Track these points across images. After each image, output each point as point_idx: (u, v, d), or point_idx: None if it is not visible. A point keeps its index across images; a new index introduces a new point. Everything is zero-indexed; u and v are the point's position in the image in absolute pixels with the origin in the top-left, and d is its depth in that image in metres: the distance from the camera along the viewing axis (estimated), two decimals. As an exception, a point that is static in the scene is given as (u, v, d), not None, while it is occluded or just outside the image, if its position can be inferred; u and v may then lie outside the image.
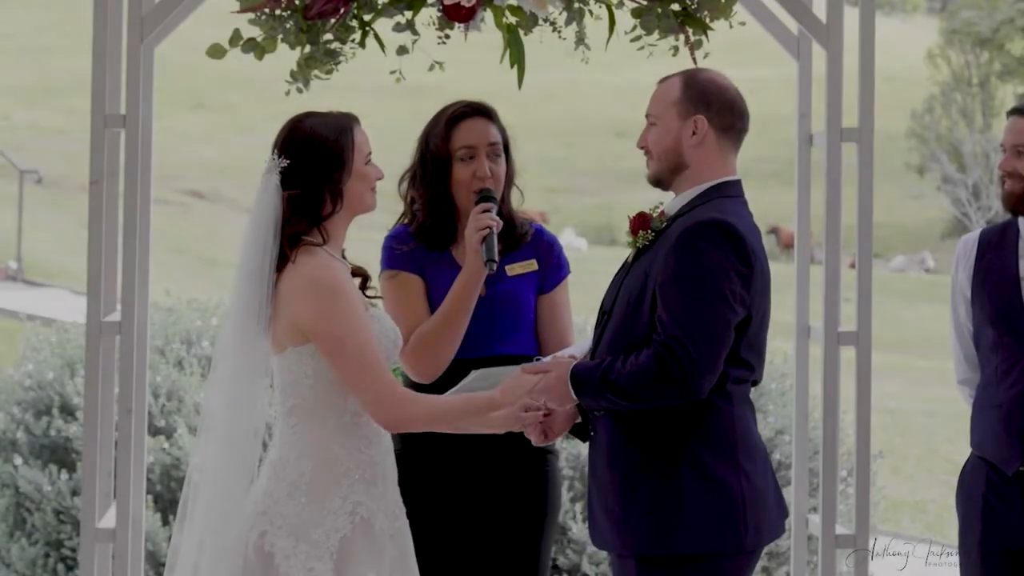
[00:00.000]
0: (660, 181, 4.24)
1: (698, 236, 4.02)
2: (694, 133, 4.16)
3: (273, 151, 4.07)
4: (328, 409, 4.05)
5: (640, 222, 4.21)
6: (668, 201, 4.25)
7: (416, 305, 4.65)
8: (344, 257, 4.17)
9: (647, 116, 4.24)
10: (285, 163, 4.04)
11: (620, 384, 4.01)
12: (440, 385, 4.48)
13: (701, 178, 4.18)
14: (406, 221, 4.75)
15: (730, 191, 4.18)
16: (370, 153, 4.14)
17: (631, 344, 4.08)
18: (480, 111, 4.69)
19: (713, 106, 4.17)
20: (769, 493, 4.17)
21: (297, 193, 4.04)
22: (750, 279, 4.04)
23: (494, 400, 4.11)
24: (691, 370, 3.96)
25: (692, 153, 4.17)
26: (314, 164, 4.04)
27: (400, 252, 4.67)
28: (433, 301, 4.66)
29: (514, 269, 4.75)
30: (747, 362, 4.12)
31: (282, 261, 4.04)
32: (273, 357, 4.09)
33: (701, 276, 3.99)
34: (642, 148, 4.25)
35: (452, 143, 4.65)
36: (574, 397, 4.10)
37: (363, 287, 4.21)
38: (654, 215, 4.21)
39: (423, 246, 4.69)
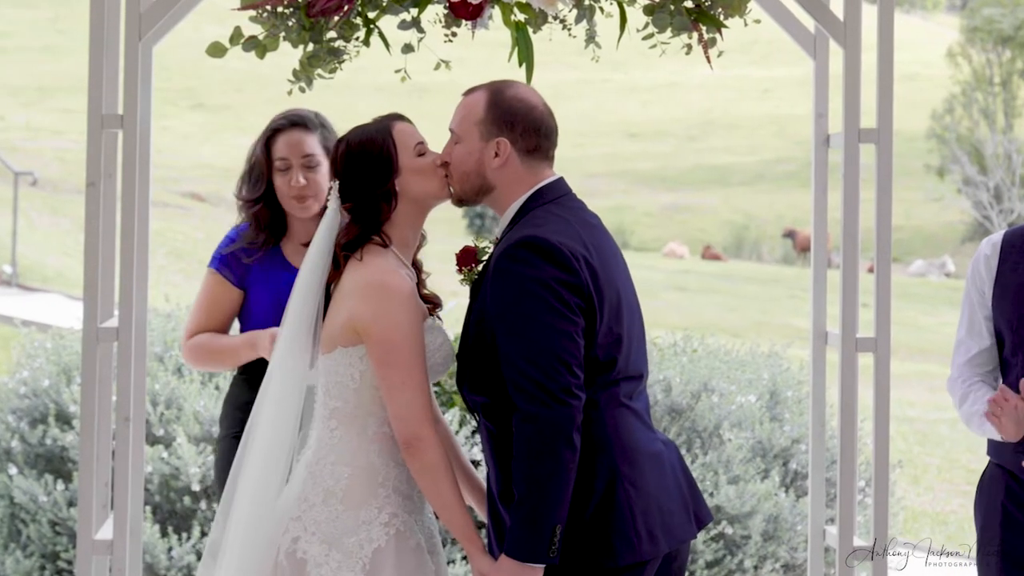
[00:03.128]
0: (464, 201, 4.17)
1: (509, 261, 3.94)
2: (496, 155, 4.08)
3: (331, 178, 4.22)
4: (369, 415, 4.08)
5: (464, 257, 4.22)
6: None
7: (215, 309, 5.01)
8: (416, 269, 4.22)
9: (451, 130, 4.16)
10: (338, 183, 4.16)
11: (524, 492, 3.84)
12: None
13: (515, 195, 4.10)
14: (243, 220, 5.11)
15: (547, 196, 4.09)
16: (420, 143, 4.18)
17: (492, 380, 3.98)
18: (298, 123, 4.99)
19: (517, 127, 4.08)
20: (666, 496, 4.04)
21: (351, 206, 4.14)
22: (578, 284, 3.94)
23: (474, 557, 4.01)
24: (555, 401, 3.85)
25: (496, 175, 4.09)
26: (360, 174, 4.13)
27: (227, 254, 5.02)
28: (253, 307, 5.00)
29: None
30: (605, 363, 4.00)
31: (334, 271, 4.14)
32: (320, 358, 4.12)
33: (524, 303, 3.89)
34: (445, 163, 4.17)
35: (271, 154, 5.00)
36: (533, 565, 3.88)
37: (431, 312, 4.23)
38: (480, 246, 4.20)
39: (249, 243, 5.02)
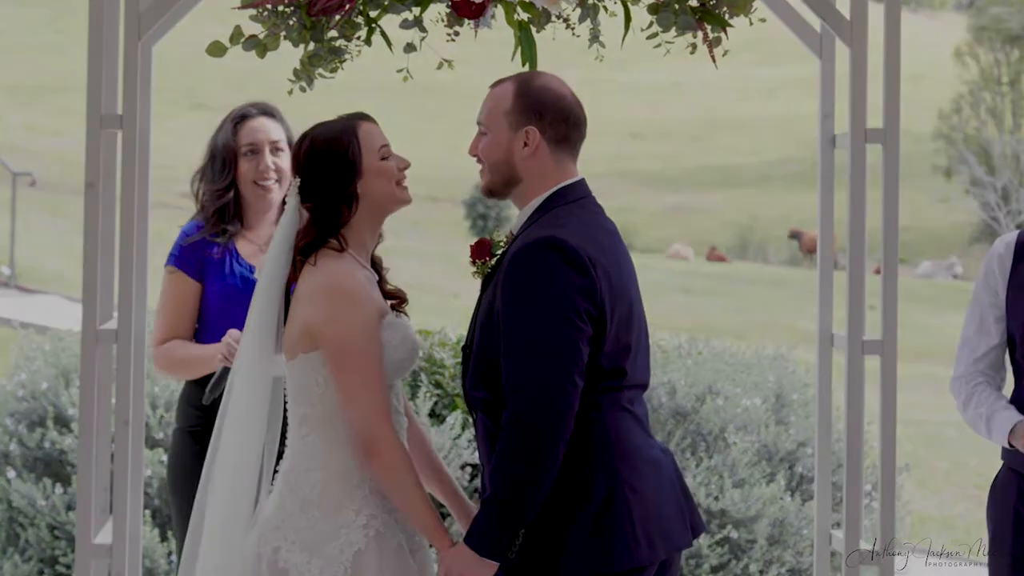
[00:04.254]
0: (493, 193, 4.13)
1: (526, 260, 3.89)
2: (526, 145, 4.03)
3: (292, 175, 4.15)
4: (339, 419, 4.02)
5: (478, 250, 4.15)
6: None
7: (183, 309, 5.08)
8: (376, 266, 4.17)
9: (478, 123, 4.12)
10: (298, 181, 4.09)
11: (499, 489, 3.81)
12: None
13: (537, 191, 4.06)
14: (198, 217, 5.17)
15: (569, 196, 4.05)
16: (385, 146, 4.13)
17: (495, 376, 3.92)
18: (264, 111, 5.20)
19: (546, 116, 4.04)
20: (665, 502, 3.99)
21: (311, 206, 4.07)
22: (593, 289, 3.89)
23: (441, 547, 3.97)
24: (547, 407, 3.80)
25: (524, 166, 4.04)
26: (323, 174, 4.07)
27: (186, 247, 5.09)
28: (207, 301, 5.07)
29: None
30: (611, 371, 3.95)
31: (293, 273, 4.07)
32: (285, 366, 4.07)
33: (535, 305, 3.84)
34: (474, 156, 4.13)
35: (238, 140, 5.14)
36: (489, 561, 3.85)
37: (396, 308, 4.17)
38: (496, 239, 4.14)
39: (210, 235, 5.08)
